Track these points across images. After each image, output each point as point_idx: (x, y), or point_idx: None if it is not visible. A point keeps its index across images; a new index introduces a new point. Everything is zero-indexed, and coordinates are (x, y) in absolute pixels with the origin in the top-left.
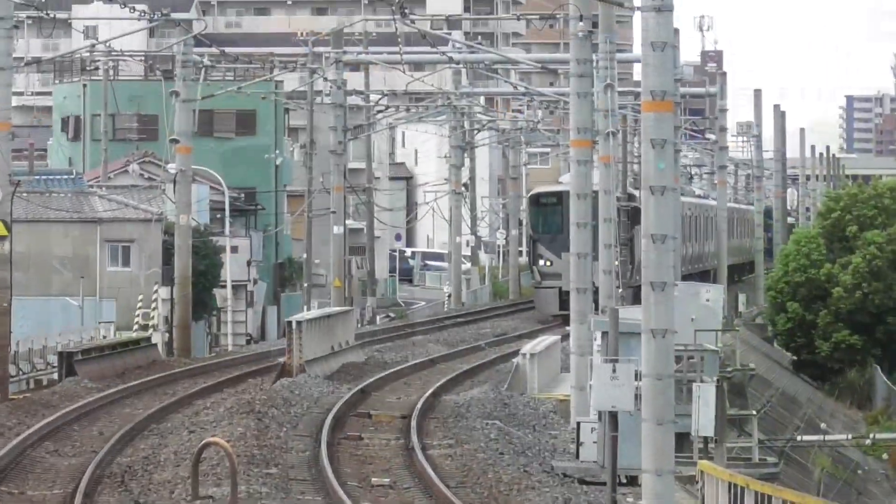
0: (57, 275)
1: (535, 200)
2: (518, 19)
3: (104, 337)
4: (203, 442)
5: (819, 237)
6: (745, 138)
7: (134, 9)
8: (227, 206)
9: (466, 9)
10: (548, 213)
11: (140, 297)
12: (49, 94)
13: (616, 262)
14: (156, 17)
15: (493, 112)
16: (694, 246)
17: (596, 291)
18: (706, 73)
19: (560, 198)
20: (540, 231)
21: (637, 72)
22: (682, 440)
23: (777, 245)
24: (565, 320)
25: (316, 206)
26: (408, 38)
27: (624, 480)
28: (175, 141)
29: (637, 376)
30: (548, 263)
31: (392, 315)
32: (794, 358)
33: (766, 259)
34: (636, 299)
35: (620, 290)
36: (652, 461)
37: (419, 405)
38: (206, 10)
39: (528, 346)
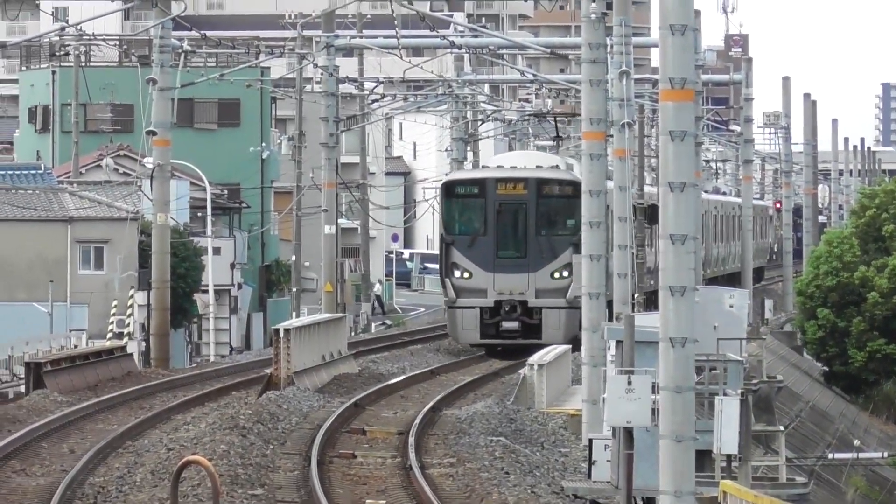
0: (24, 278)
1: (450, 191)
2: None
3: (75, 346)
4: (183, 460)
5: (853, 237)
6: (772, 130)
7: None
8: (208, 204)
9: None
10: (466, 208)
11: (114, 302)
12: (15, 81)
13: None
14: None
15: (498, 101)
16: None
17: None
18: (730, 58)
19: (483, 187)
20: (455, 231)
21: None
22: (704, 458)
23: (807, 246)
24: (491, 351)
25: (305, 203)
26: (405, 20)
27: (640, 502)
28: (152, 133)
29: (654, 389)
30: (465, 275)
31: (388, 322)
32: (826, 369)
33: (794, 261)
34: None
35: (636, 295)
36: (670, 481)
37: (417, 420)
38: None
39: (536, 356)
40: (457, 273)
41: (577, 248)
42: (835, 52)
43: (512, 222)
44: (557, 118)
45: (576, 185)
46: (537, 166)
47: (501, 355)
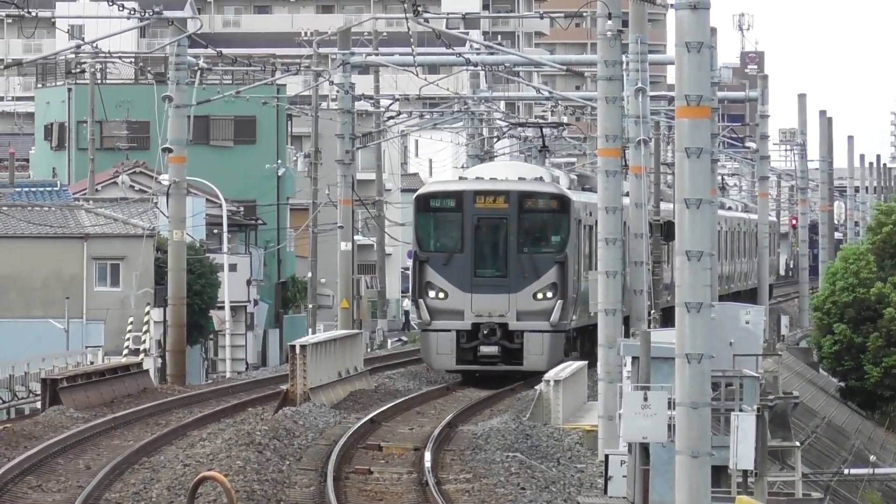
0: (40, 295)
1: (424, 204)
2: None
3: (91, 362)
4: (199, 476)
5: (869, 254)
6: (788, 147)
7: (123, 6)
8: (224, 221)
9: (485, 6)
10: (442, 223)
11: (130, 319)
12: (31, 99)
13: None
14: (147, 15)
15: (514, 118)
16: None
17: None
18: (746, 75)
19: (460, 201)
20: (430, 248)
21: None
22: (720, 474)
23: (823, 262)
24: (468, 378)
25: (321, 220)
26: (421, 38)
27: None
28: (168, 150)
29: (670, 405)
30: (440, 295)
31: (404, 339)
32: (842, 384)
33: (810, 277)
34: (667, 321)
35: (652, 312)
36: (686, 497)
37: (434, 436)
38: (202, 8)
39: (552, 372)
40: (431, 293)
41: (561, 268)
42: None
43: (491, 239)
44: (543, 128)
45: (561, 199)
46: (520, 178)
47: (479, 382)
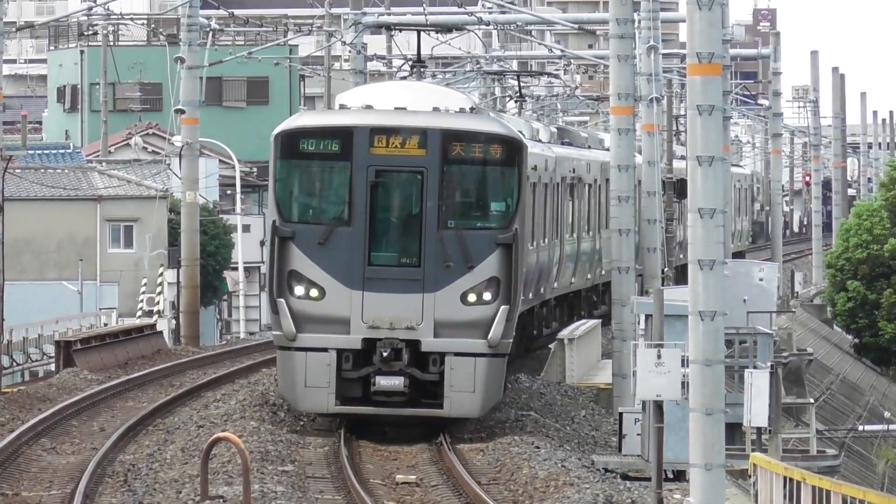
0: (54, 258)
1: (288, 147)
2: None
3: (105, 324)
4: (213, 437)
5: (882, 210)
6: (801, 104)
7: None
8: (238, 182)
9: None
10: (316, 179)
11: (144, 280)
12: (44, 61)
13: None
14: None
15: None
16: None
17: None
18: (758, 33)
19: (348, 143)
20: (296, 217)
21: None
22: (734, 431)
23: (837, 219)
24: (356, 426)
25: None
26: None
27: (670, 475)
28: (181, 111)
29: (684, 362)
30: (312, 293)
31: None
32: (856, 341)
33: (824, 234)
34: (681, 279)
35: (666, 269)
36: (701, 454)
37: None
38: None
39: (566, 331)
40: (298, 289)
41: (507, 253)
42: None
43: (397, 205)
44: (521, 76)
45: (509, 145)
46: (435, 108)
47: (374, 435)
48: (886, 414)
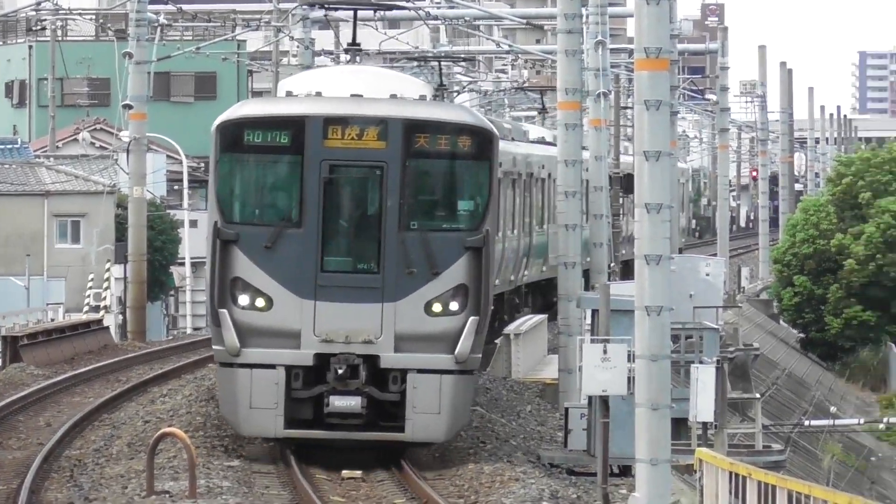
0: (0, 253)
1: (232, 139)
2: None
3: (52, 319)
4: (159, 433)
5: (829, 205)
6: (748, 99)
7: None
8: (185, 177)
9: None
10: (263, 175)
11: (91, 276)
12: None
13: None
14: None
15: (474, 73)
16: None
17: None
18: (706, 28)
19: (299, 133)
20: (240, 217)
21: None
22: (680, 426)
23: (784, 214)
24: (305, 452)
25: None
26: None
27: (616, 470)
28: (128, 106)
29: (630, 357)
30: (258, 303)
31: None
32: (802, 336)
33: (771, 229)
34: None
35: (612, 264)
36: (646, 449)
37: None
38: None
39: (513, 326)
40: (242, 299)
41: (476, 257)
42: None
43: (354, 204)
44: (442, 61)
45: (480, 136)
46: (393, 96)
47: (329, 462)
48: (832, 409)
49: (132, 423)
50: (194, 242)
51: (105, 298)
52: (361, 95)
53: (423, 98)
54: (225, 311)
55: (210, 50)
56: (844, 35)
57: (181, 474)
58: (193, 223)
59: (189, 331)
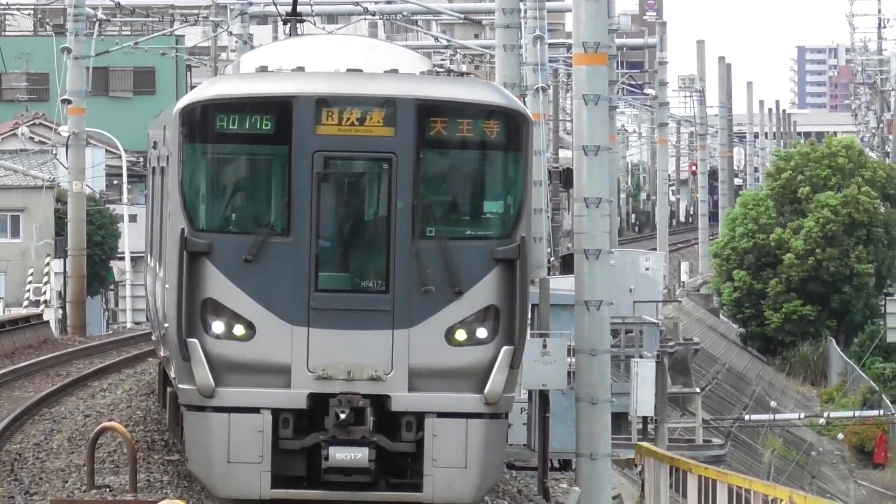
0: None
1: (202, 127)
2: None
3: None
4: (99, 427)
5: (768, 200)
6: (687, 93)
7: None
8: (124, 172)
9: None
10: (241, 171)
11: (31, 270)
12: None
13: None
14: None
15: None
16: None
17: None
18: (645, 22)
19: (285, 118)
20: (214, 223)
21: (569, 22)
22: (620, 421)
23: (723, 208)
24: None
25: None
26: None
27: (556, 465)
28: (67, 101)
29: (570, 352)
30: (238, 330)
31: None
32: (742, 330)
33: (710, 223)
34: (567, 269)
35: (552, 259)
36: (587, 444)
37: None
38: None
39: None
40: (216, 325)
41: (510, 271)
42: (750, 16)
43: (356, 206)
44: None
45: (514, 119)
46: (390, 71)
47: None
48: (772, 403)
49: (72, 417)
50: (134, 237)
51: (45, 293)
52: (361, 70)
53: (432, 73)
54: (195, 340)
55: (148, 45)
56: (783, 30)
57: (122, 468)
58: (133, 218)
59: (129, 325)
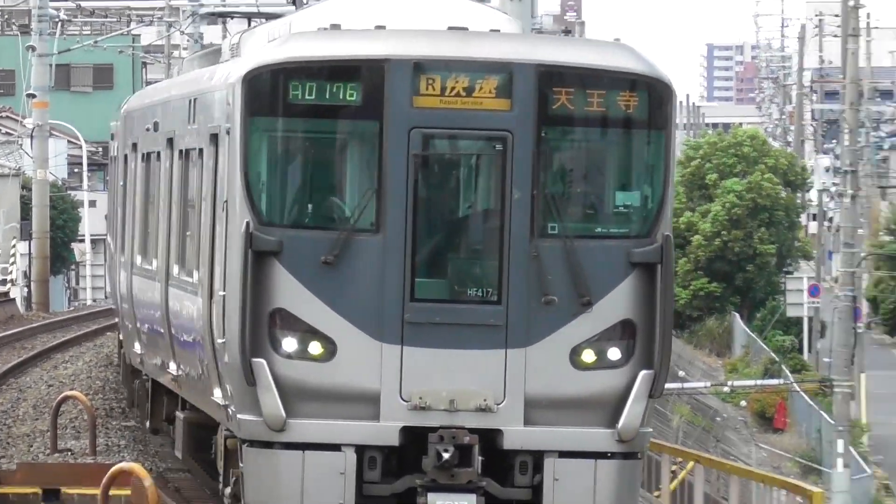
0: None
1: (274, 97)
2: None
3: None
4: (61, 395)
5: (679, 185)
6: None
7: None
8: (84, 161)
9: None
10: (324, 148)
11: None
12: None
13: None
14: None
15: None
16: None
17: None
18: (565, 22)
19: (376, 87)
20: (286, 217)
21: None
22: None
23: None
24: None
25: None
26: None
27: None
28: (32, 96)
29: None
30: (314, 348)
31: None
32: None
33: None
34: None
35: None
36: None
37: None
38: None
39: None
40: (288, 342)
41: (649, 276)
42: (664, 16)
43: (461, 198)
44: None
45: (658, 91)
46: (493, 30)
47: None
48: (680, 373)
49: (37, 387)
50: (93, 221)
51: (11, 273)
52: (466, 28)
53: (536, 33)
54: (261, 361)
55: (107, 43)
56: (694, 29)
57: (82, 433)
58: (92, 203)
59: (89, 302)
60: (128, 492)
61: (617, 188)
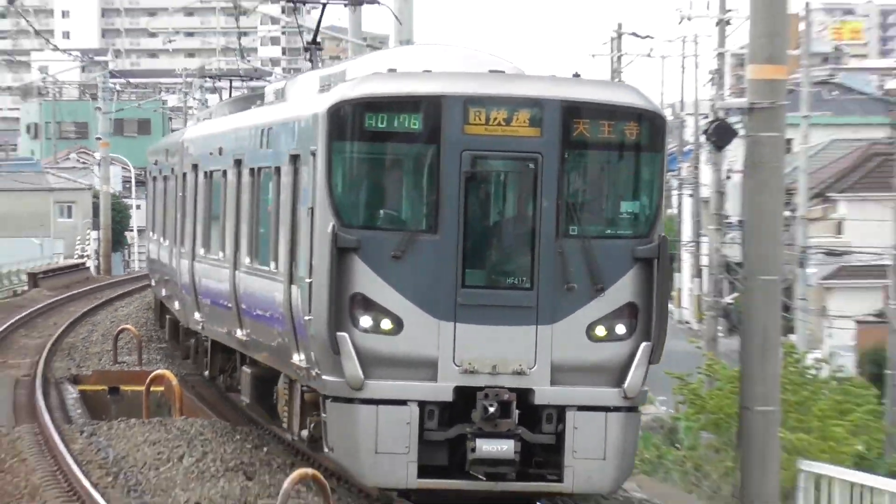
0: (25, 224)
1: (353, 124)
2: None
3: (57, 263)
4: (120, 328)
5: None
6: None
7: (71, 53)
8: (132, 180)
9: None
10: (390, 169)
11: (78, 237)
12: (18, 109)
13: None
14: (86, 58)
15: None
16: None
17: None
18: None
19: (434, 117)
20: (364, 221)
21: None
22: None
23: None
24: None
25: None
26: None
27: None
28: (99, 139)
29: None
30: (385, 324)
31: None
32: None
33: None
34: None
35: None
36: None
37: None
38: (117, 54)
39: None
40: (364, 320)
41: (648, 269)
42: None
43: (502, 205)
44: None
45: (654, 122)
46: (494, 71)
47: None
48: None
49: (103, 322)
50: (138, 218)
51: (87, 251)
52: (503, 71)
53: (521, 74)
54: (344, 334)
55: (146, 105)
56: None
57: (133, 352)
58: (138, 206)
59: (136, 269)
60: (161, 388)
61: (623, 198)
